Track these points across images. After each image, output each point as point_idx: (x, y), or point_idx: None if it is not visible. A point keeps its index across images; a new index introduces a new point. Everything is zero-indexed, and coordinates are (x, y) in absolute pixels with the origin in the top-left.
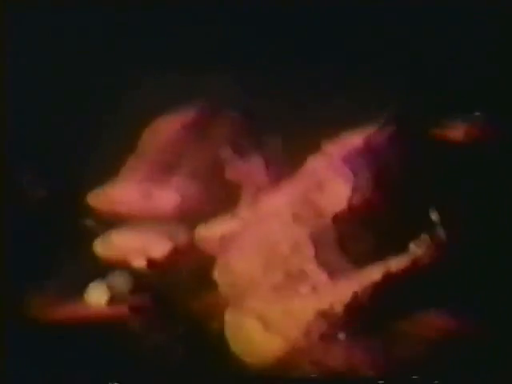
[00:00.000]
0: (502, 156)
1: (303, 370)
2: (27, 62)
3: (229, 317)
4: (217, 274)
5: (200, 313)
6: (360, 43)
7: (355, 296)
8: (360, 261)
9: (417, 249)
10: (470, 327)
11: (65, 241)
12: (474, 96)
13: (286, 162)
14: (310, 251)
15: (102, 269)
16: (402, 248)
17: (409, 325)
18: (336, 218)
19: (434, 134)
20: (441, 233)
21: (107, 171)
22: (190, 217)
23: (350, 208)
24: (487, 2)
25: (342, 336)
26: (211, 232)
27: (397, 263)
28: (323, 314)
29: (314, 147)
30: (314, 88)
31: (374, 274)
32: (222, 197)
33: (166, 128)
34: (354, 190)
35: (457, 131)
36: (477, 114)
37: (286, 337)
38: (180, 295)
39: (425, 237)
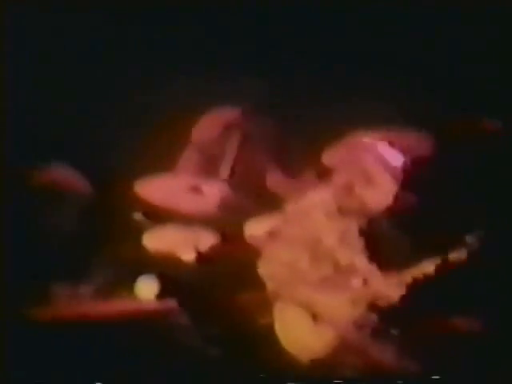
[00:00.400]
0: None
1: (351, 366)
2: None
3: (278, 310)
4: (262, 268)
5: (243, 311)
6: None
7: (408, 289)
8: (410, 256)
9: (472, 241)
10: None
11: (113, 235)
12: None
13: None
14: (358, 244)
15: (151, 263)
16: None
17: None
18: (382, 214)
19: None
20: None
21: (151, 162)
22: (235, 213)
23: (396, 205)
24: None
25: (394, 331)
26: (259, 228)
27: (453, 256)
28: (375, 308)
29: None
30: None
31: (427, 267)
32: (265, 197)
33: (210, 125)
34: (401, 186)
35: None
36: None
37: (336, 329)
38: (221, 293)
39: (479, 231)
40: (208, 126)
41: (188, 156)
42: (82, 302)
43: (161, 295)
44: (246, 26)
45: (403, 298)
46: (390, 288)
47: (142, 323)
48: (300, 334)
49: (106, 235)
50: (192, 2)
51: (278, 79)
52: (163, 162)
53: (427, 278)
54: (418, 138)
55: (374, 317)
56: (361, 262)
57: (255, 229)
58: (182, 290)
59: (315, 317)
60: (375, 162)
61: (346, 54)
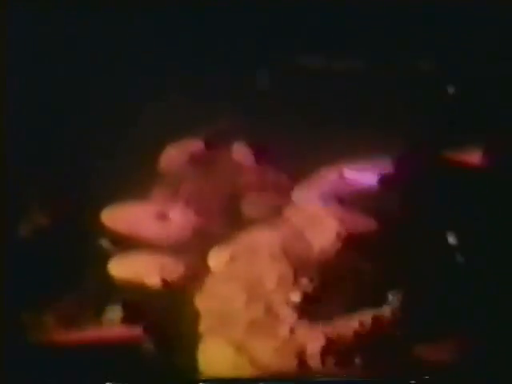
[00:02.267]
0: None
1: None
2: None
3: (204, 341)
4: (198, 300)
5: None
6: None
7: (330, 342)
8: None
9: (394, 299)
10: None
11: (79, 262)
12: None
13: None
14: (292, 289)
15: (116, 290)
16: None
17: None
18: (324, 253)
19: (447, 158)
20: (458, 257)
21: (119, 189)
22: (201, 240)
23: (340, 240)
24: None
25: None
26: (221, 256)
27: (374, 313)
28: (299, 356)
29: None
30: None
31: (351, 321)
32: (229, 225)
33: (174, 157)
34: (343, 223)
35: (471, 156)
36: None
37: (257, 367)
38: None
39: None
40: (173, 157)
41: (157, 186)
42: (47, 330)
43: (126, 321)
44: (220, 52)
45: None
46: (315, 338)
47: (107, 350)
48: (221, 364)
49: (72, 262)
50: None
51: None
52: (131, 191)
53: (352, 331)
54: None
55: (297, 364)
56: (290, 310)
57: (217, 257)
58: (147, 316)
59: (239, 356)
60: (320, 207)
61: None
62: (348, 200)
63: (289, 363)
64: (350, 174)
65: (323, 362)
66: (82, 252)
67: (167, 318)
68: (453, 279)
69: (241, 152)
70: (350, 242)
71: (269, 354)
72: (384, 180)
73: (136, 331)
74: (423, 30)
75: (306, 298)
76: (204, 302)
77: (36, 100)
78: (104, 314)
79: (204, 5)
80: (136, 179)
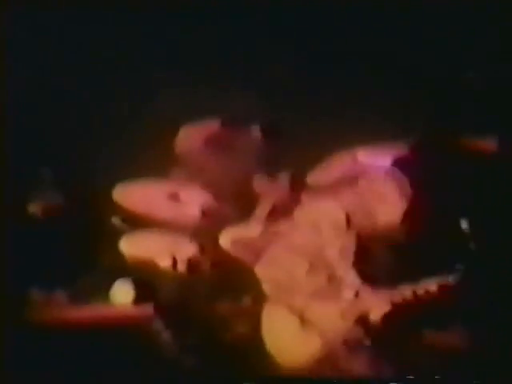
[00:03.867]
0: None
1: (330, 373)
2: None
3: (268, 312)
4: (260, 268)
5: (220, 320)
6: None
7: (395, 307)
8: (402, 275)
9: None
10: None
11: (91, 240)
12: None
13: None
14: (356, 258)
15: (128, 269)
16: (436, 266)
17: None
18: (388, 230)
19: (463, 144)
20: (471, 245)
21: (132, 167)
22: (214, 222)
23: (404, 222)
24: None
25: (368, 343)
26: (237, 236)
27: (437, 282)
28: (362, 321)
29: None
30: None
31: (415, 289)
32: (242, 207)
33: (190, 138)
34: (410, 204)
35: (487, 143)
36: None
37: (323, 338)
38: (198, 301)
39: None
40: (189, 138)
41: (172, 166)
42: (58, 308)
43: (137, 301)
44: (234, 39)
45: (388, 314)
46: (378, 304)
47: (118, 329)
48: (287, 339)
49: (84, 240)
50: (179, 15)
51: (266, 91)
52: (144, 169)
53: (416, 299)
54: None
55: (360, 329)
56: (354, 275)
57: (235, 236)
58: (158, 296)
59: (304, 324)
60: (384, 179)
61: (337, 68)
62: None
63: (353, 329)
64: (365, 158)
65: (386, 328)
66: (93, 230)
67: (178, 297)
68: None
69: (256, 134)
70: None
71: (332, 320)
72: (398, 164)
73: (147, 310)
74: (441, 16)
75: (366, 265)
76: (266, 270)
77: (43, 79)
78: (115, 293)
79: None
80: (150, 158)
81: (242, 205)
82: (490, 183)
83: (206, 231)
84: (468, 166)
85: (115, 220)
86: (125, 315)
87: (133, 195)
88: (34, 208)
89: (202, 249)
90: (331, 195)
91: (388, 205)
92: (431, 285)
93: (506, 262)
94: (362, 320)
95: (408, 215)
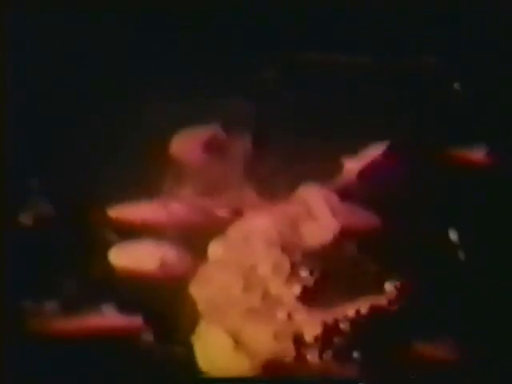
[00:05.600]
0: None
1: None
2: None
3: (201, 330)
4: (193, 288)
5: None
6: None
7: (327, 327)
8: (336, 295)
9: (391, 290)
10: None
11: (81, 251)
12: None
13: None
14: (289, 277)
15: (117, 279)
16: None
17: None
18: (320, 249)
19: (451, 155)
20: (460, 254)
21: (123, 185)
22: (203, 231)
23: (337, 241)
24: None
25: (312, 358)
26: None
27: (372, 302)
28: (296, 341)
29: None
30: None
31: (347, 309)
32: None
33: (182, 145)
34: (343, 224)
35: (475, 154)
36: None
37: (255, 359)
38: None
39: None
40: (183, 144)
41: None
42: (49, 319)
43: (125, 311)
44: (222, 47)
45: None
46: (311, 325)
47: (108, 340)
48: (218, 355)
49: (74, 251)
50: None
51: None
52: (139, 184)
53: (347, 320)
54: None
55: (293, 348)
56: (288, 295)
57: (214, 246)
58: (146, 306)
59: (237, 342)
60: (316, 197)
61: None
62: (349, 195)
63: (286, 350)
64: (352, 166)
65: (320, 349)
66: (84, 241)
67: (167, 308)
68: (453, 276)
69: (245, 142)
70: (349, 236)
71: (266, 340)
72: (384, 175)
73: (135, 321)
74: (427, 27)
75: (304, 288)
76: (200, 290)
77: (37, 93)
78: (104, 304)
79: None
80: (144, 171)
81: (233, 212)
82: (478, 195)
83: (195, 240)
84: (456, 177)
85: (106, 232)
86: (114, 326)
87: (127, 211)
88: (25, 219)
89: (191, 258)
90: (264, 212)
91: (319, 225)
92: (363, 305)
93: (493, 272)
94: (297, 340)
95: (340, 236)
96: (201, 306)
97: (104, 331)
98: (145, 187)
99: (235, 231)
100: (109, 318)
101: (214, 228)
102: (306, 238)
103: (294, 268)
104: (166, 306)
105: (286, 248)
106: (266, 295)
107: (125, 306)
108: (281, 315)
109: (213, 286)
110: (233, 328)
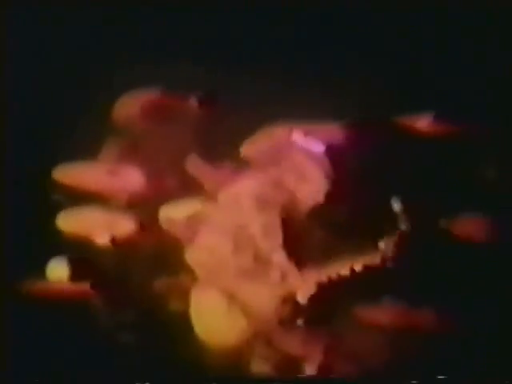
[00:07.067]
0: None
1: (260, 354)
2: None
3: (196, 294)
4: (188, 254)
5: (158, 296)
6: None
7: (321, 288)
8: (328, 255)
9: (386, 247)
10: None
11: (30, 215)
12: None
13: None
14: (279, 238)
15: (64, 245)
16: (367, 243)
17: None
18: (310, 210)
19: (397, 123)
20: (404, 224)
21: (73, 147)
22: (153, 197)
23: (326, 202)
24: None
25: (300, 322)
26: (176, 213)
27: (365, 261)
28: (288, 302)
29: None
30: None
31: (342, 268)
32: (183, 181)
33: (128, 108)
34: (332, 184)
35: (421, 121)
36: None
37: (249, 318)
38: (136, 278)
39: (392, 236)
40: (127, 108)
41: (109, 142)
42: None
43: (73, 278)
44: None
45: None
46: (305, 285)
47: (55, 305)
48: (214, 319)
49: (21, 217)
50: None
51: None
52: (83, 147)
53: (342, 278)
54: (335, 129)
55: (286, 309)
56: (279, 256)
57: (173, 213)
58: (95, 273)
59: (231, 303)
60: (307, 159)
61: (281, 44)
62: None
63: (280, 310)
64: (299, 138)
65: (313, 309)
66: (31, 206)
67: (116, 274)
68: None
69: (195, 104)
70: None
71: (260, 300)
72: (331, 149)
73: (84, 287)
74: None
75: (291, 245)
76: (194, 255)
77: None
78: (51, 270)
79: None
80: (88, 133)
81: (181, 180)
82: (424, 162)
83: (145, 207)
84: (403, 145)
85: (54, 196)
86: (62, 292)
87: (72, 173)
88: None
89: (140, 225)
90: (253, 171)
91: (310, 185)
92: (357, 264)
93: (436, 240)
94: (290, 300)
95: (331, 197)
96: (198, 271)
97: (52, 297)
98: (92, 153)
99: (224, 194)
100: (56, 284)
101: (163, 195)
102: (296, 198)
103: (286, 229)
104: (115, 273)
105: (275, 208)
106: (257, 257)
107: (72, 273)
108: (274, 276)
109: (205, 249)
110: (227, 289)
